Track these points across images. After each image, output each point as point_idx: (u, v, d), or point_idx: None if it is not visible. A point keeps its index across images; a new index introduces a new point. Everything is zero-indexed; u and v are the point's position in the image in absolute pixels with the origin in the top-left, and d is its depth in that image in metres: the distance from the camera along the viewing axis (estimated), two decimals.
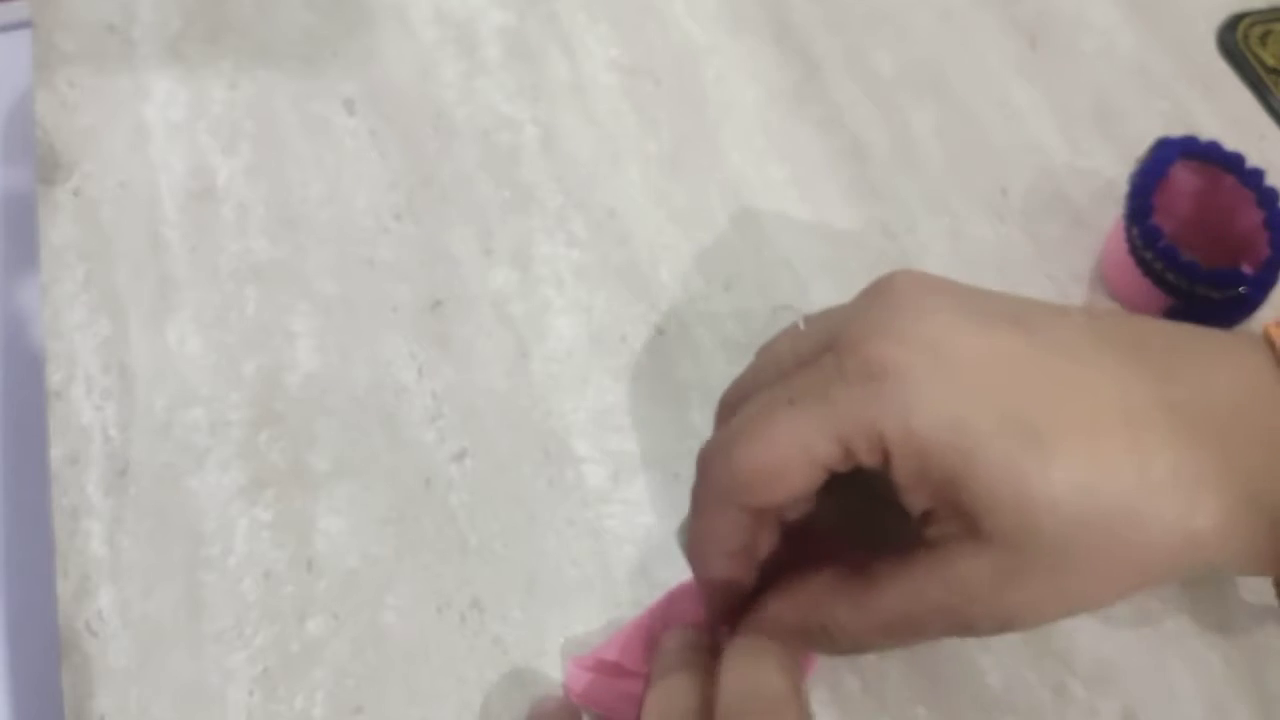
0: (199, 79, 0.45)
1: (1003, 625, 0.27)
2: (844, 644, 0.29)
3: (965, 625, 0.27)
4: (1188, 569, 0.27)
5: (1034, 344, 0.27)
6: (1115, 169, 0.44)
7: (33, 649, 0.42)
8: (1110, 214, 0.41)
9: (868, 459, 0.26)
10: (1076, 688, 0.34)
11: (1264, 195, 0.38)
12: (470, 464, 0.37)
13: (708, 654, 0.31)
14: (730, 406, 0.31)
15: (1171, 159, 0.39)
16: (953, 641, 0.34)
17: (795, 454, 0.26)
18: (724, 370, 0.39)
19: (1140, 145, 0.40)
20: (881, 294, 0.29)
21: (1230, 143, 0.40)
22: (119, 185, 0.42)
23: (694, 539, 0.30)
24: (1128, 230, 0.39)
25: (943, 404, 0.25)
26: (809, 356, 0.29)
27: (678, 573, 0.35)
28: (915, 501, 0.27)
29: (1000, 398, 0.25)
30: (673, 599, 0.34)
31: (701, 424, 0.38)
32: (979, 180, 0.44)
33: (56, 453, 0.37)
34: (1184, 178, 0.40)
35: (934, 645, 0.34)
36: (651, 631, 0.33)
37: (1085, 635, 0.35)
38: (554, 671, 0.34)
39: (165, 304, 0.40)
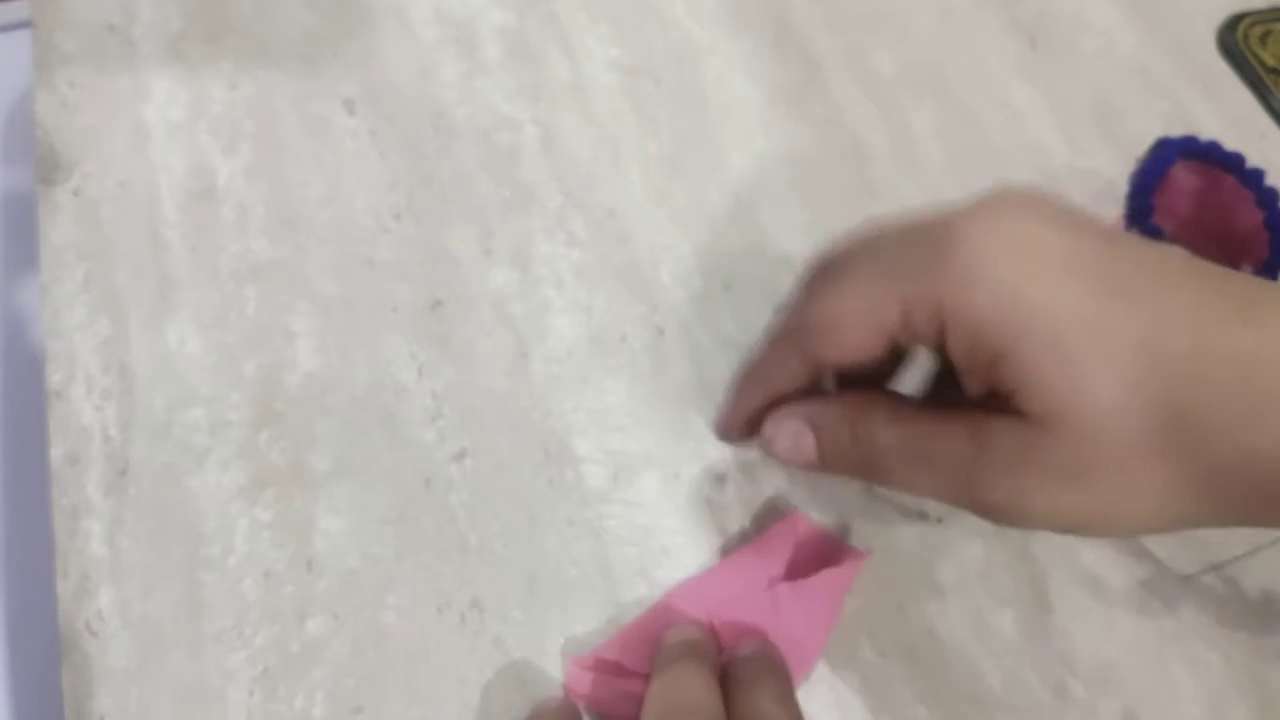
0: (199, 79, 0.45)
1: (1008, 500, 0.27)
2: (858, 451, 0.29)
3: (974, 484, 0.27)
4: (1224, 504, 0.26)
5: (1120, 254, 0.26)
6: (1115, 169, 0.44)
7: (33, 649, 0.42)
8: (1110, 214, 0.41)
9: (926, 328, 0.26)
10: (1076, 688, 0.34)
11: (1264, 195, 0.38)
12: (470, 464, 0.37)
13: (711, 648, 0.31)
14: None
15: (1171, 159, 0.39)
16: (953, 642, 0.34)
17: (861, 308, 0.27)
18: (724, 370, 0.39)
19: (1140, 145, 0.40)
20: (992, 191, 0.28)
21: (1230, 143, 0.40)
22: (119, 185, 0.42)
23: (747, 364, 0.31)
24: (1128, 230, 0.39)
25: (1007, 281, 0.25)
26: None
27: (678, 573, 0.35)
28: (972, 384, 0.27)
29: (1067, 289, 0.25)
30: (673, 599, 0.34)
31: (702, 424, 0.38)
32: (979, 180, 0.43)
33: (56, 453, 0.37)
34: (1184, 178, 0.40)
35: (934, 645, 0.34)
36: (652, 631, 0.33)
37: (1085, 635, 0.35)
38: (554, 671, 0.34)
39: (165, 304, 0.40)
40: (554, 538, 0.36)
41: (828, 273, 0.29)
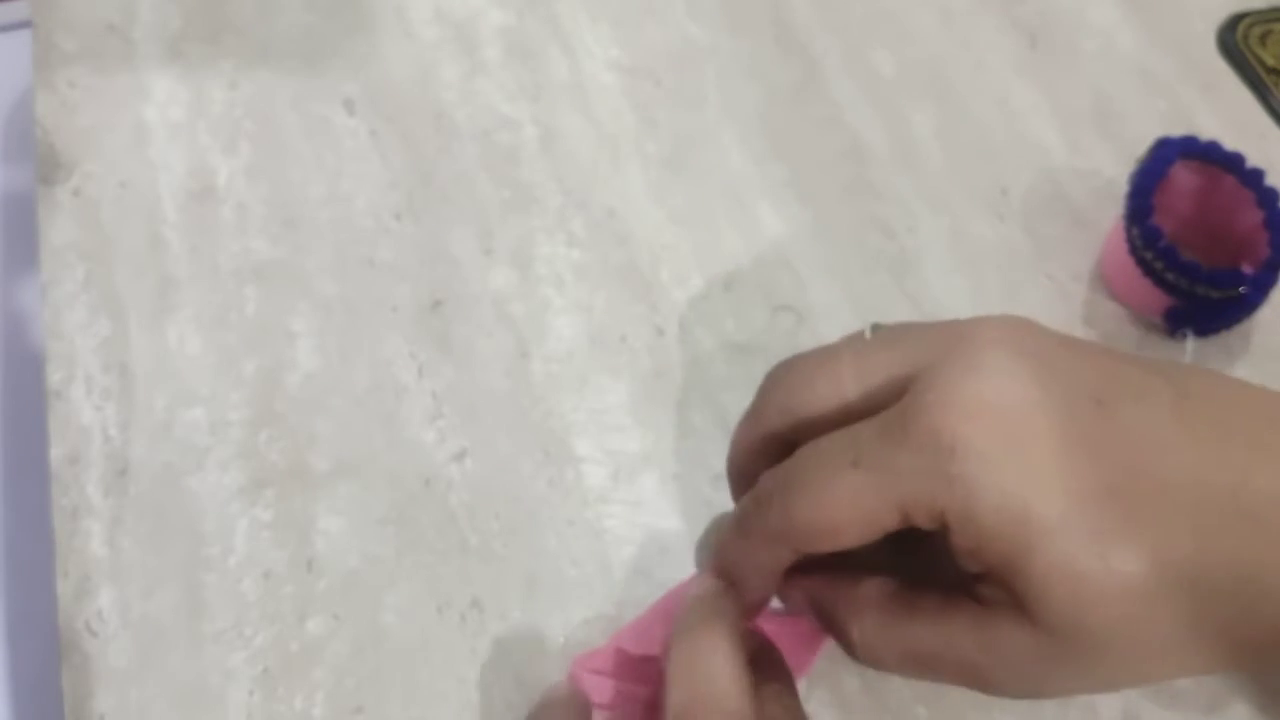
0: (199, 79, 0.45)
1: (1025, 695, 0.27)
2: (857, 652, 0.29)
3: (986, 684, 0.27)
4: (1245, 667, 0.27)
5: (1113, 429, 0.26)
6: (1115, 169, 0.44)
7: (33, 649, 0.42)
8: (1110, 214, 0.41)
9: (927, 525, 0.26)
10: None
11: (1264, 195, 0.38)
12: (470, 464, 0.37)
13: (733, 603, 0.30)
14: (774, 388, 0.30)
15: (1171, 159, 0.39)
16: None
17: (854, 517, 0.26)
18: (724, 370, 0.39)
19: (1140, 145, 0.40)
20: (963, 347, 0.27)
21: (1230, 143, 0.40)
22: (119, 185, 0.42)
23: (734, 558, 0.30)
24: (1128, 230, 0.39)
25: (1008, 489, 0.25)
26: (875, 391, 0.28)
27: (678, 572, 0.35)
28: (971, 566, 0.27)
29: (1070, 487, 0.25)
30: (670, 598, 0.34)
31: (701, 424, 0.38)
32: (979, 180, 0.44)
33: (56, 453, 0.37)
34: (1184, 178, 0.40)
35: None
36: (653, 629, 0.33)
37: None
38: (554, 671, 0.34)
39: (165, 304, 0.40)
40: (554, 538, 0.36)
41: (804, 466, 0.28)
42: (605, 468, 0.37)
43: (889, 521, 0.26)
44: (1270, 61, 0.47)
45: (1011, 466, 0.25)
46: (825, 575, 0.30)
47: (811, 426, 0.29)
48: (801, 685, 0.33)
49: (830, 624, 0.30)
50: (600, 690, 0.32)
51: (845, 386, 0.29)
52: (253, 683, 0.33)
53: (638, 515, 0.36)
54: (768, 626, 0.32)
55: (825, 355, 0.30)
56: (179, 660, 0.33)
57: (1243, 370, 0.40)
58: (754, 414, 0.31)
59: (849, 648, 0.29)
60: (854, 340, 0.30)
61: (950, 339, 0.27)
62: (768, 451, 0.31)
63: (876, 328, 0.30)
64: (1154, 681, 0.27)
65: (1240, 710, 0.34)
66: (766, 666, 0.30)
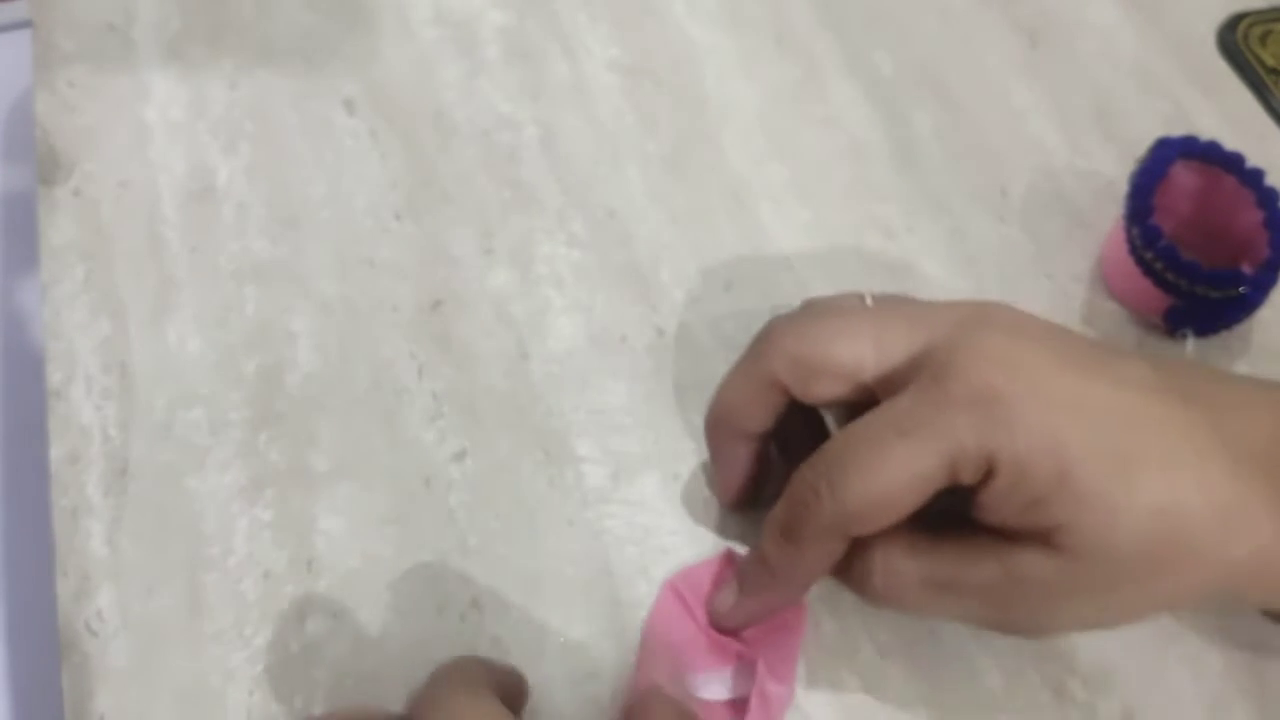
0: (199, 79, 0.45)
1: (1037, 627, 0.30)
2: (877, 580, 0.30)
3: (1003, 611, 0.29)
4: (1217, 596, 0.29)
5: (1114, 385, 0.29)
6: (1115, 169, 0.44)
7: (33, 649, 0.43)
8: (1110, 214, 0.41)
9: (970, 478, 0.28)
10: (1076, 688, 0.34)
11: (1264, 195, 0.38)
12: (470, 464, 0.37)
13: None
14: (783, 337, 0.32)
15: (1171, 159, 0.39)
16: (953, 641, 0.34)
17: (908, 482, 0.28)
18: (724, 371, 0.39)
19: (1140, 145, 0.40)
20: (982, 323, 0.30)
21: (1230, 143, 0.40)
22: (119, 185, 0.42)
23: (789, 566, 0.31)
24: (1128, 230, 0.39)
25: (1044, 429, 0.27)
26: (892, 368, 0.30)
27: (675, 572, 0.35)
28: (989, 515, 0.29)
29: (1089, 429, 0.28)
30: (668, 597, 0.34)
31: (701, 424, 0.38)
32: (979, 180, 0.44)
33: (56, 453, 0.37)
34: (1184, 178, 0.40)
35: (934, 645, 0.34)
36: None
37: (1085, 635, 0.34)
38: (554, 671, 0.34)
39: (165, 304, 0.40)
40: (554, 538, 0.36)
41: (848, 447, 0.29)
42: (605, 468, 0.37)
43: (940, 479, 0.28)
44: (1270, 61, 0.47)
45: (1043, 412, 0.28)
46: None
47: (819, 385, 0.31)
48: (801, 684, 0.33)
49: (848, 572, 0.30)
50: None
51: (864, 356, 0.30)
52: (253, 683, 0.33)
53: (638, 515, 0.36)
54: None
55: (842, 318, 0.31)
56: (179, 660, 0.33)
57: (1243, 370, 0.40)
58: (755, 359, 0.33)
59: (866, 579, 0.30)
60: (863, 308, 0.32)
61: (960, 315, 0.30)
62: (762, 399, 0.32)
63: (875, 298, 0.32)
64: (1153, 610, 0.30)
65: (1241, 711, 0.34)
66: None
